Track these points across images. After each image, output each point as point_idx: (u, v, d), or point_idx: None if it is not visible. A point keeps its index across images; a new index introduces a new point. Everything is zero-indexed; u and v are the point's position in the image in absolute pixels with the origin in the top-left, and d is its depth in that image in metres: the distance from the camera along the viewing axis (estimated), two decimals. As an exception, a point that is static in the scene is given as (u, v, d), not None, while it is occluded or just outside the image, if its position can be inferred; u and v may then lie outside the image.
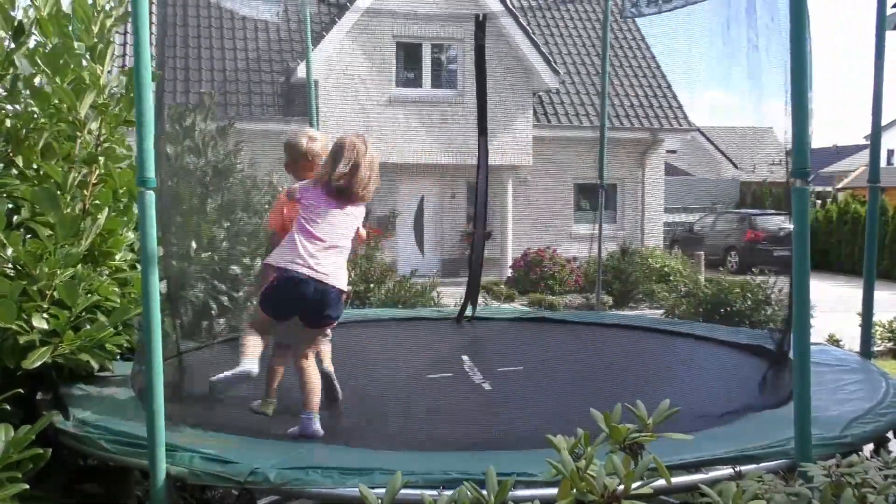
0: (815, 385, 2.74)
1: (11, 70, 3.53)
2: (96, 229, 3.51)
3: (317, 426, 3.22)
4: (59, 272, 3.28)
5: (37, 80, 3.59)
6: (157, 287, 2.62)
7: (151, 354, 2.62)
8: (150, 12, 3.17)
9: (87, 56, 3.67)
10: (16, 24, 3.56)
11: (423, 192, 18.30)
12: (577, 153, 19.00)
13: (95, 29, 3.69)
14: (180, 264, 4.49)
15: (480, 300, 6.47)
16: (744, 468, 2.56)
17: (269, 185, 8.04)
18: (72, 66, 3.57)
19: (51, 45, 3.61)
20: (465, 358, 4.83)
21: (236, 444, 2.93)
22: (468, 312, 6.17)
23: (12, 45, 3.59)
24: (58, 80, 3.54)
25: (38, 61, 3.53)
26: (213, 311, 5.05)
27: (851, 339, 7.73)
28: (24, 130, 3.54)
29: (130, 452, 2.84)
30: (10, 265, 3.32)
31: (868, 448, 3.08)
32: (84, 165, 3.64)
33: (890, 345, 9.35)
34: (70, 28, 3.67)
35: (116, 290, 3.67)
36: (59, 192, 3.42)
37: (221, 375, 3.38)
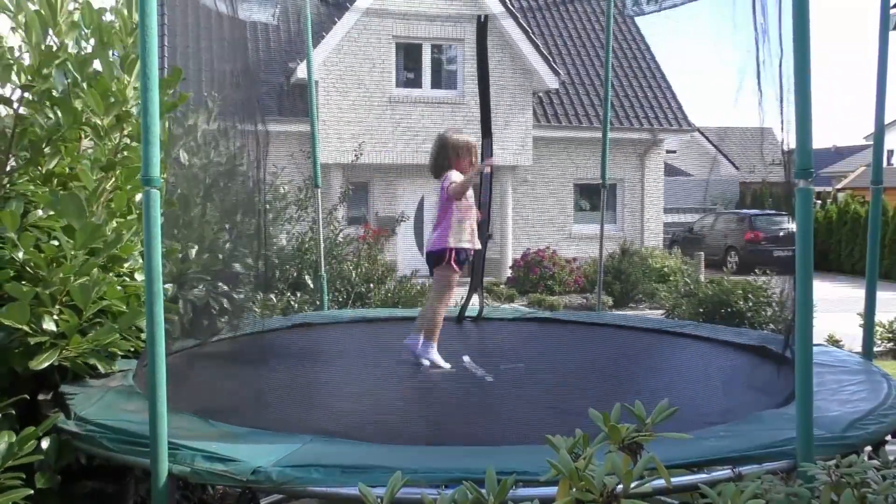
0: (816, 386, 2.74)
1: (41, 81, 3.53)
2: (115, 237, 3.52)
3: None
4: (72, 278, 3.28)
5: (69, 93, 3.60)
6: (161, 286, 2.63)
7: (154, 354, 2.63)
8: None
9: (119, 66, 3.69)
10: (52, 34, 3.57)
11: (423, 193, 18.31)
12: (577, 153, 19.02)
13: (130, 40, 3.71)
14: (184, 265, 4.50)
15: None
16: (744, 468, 2.57)
17: (271, 185, 8.06)
18: (103, 77, 3.59)
19: (78, 52, 3.62)
20: (465, 358, 4.84)
21: (238, 437, 2.93)
22: (473, 312, 6.19)
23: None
24: (86, 86, 3.56)
25: (70, 66, 3.54)
26: (213, 311, 5.05)
27: (851, 339, 7.75)
28: (46, 141, 3.55)
29: (132, 451, 2.84)
30: (20, 267, 3.32)
31: (867, 448, 3.09)
32: (102, 172, 3.66)
33: (890, 345, 9.37)
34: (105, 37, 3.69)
35: (123, 293, 3.68)
36: (85, 199, 3.43)
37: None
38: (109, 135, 3.67)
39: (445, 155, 4.99)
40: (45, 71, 3.51)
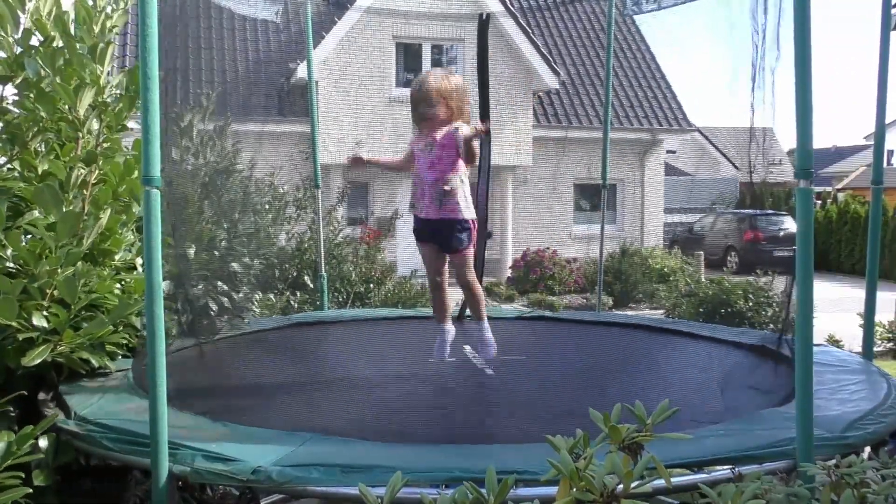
0: (816, 385, 2.74)
1: (21, 73, 3.53)
2: (98, 228, 3.51)
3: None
4: (59, 270, 3.28)
5: (45, 83, 3.59)
6: (161, 285, 2.63)
7: (154, 353, 2.62)
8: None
9: (88, 56, 3.67)
10: (24, 26, 3.57)
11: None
12: (577, 153, 19.02)
13: (96, 29, 3.69)
14: (183, 264, 4.50)
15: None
16: (744, 468, 2.57)
17: (270, 185, 8.06)
18: (73, 66, 3.58)
19: (53, 45, 3.61)
20: (467, 347, 4.84)
21: (239, 437, 2.93)
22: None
23: (19, 49, 3.59)
24: (58, 79, 3.55)
25: (39, 61, 3.53)
26: (212, 311, 5.06)
27: (852, 338, 7.75)
28: (29, 133, 3.54)
29: (132, 451, 2.84)
30: (10, 263, 3.32)
31: (867, 448, 3.09)
32: (84, 165, 3.65)
33: (890, 345, 9.38)
34: (72, 28, 3.67)
35: (117, 287, 3.68)
36: (61, 191, 3.43)
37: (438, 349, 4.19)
38: (87, 125, 3.65)
39: (448, 101, 4.06)
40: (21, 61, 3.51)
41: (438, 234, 4.06)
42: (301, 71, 15.85)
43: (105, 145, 3.76)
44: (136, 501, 3.51)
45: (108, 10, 3.83)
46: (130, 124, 3.88)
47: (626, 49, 20.34)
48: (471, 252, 4.14)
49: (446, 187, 4.01)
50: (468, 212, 4.08)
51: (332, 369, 4.63)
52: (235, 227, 5.36)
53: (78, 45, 3.68)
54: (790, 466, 2.65)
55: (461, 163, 4.05)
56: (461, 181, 4.06)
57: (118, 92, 3.90)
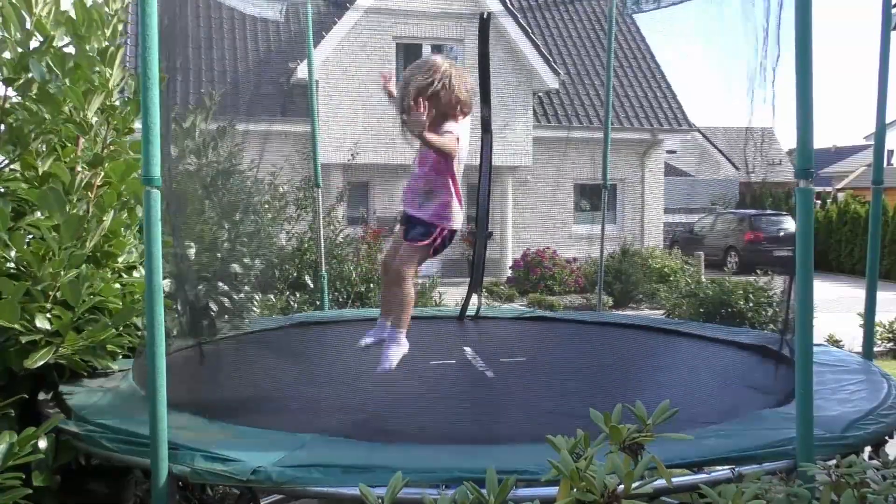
0: (816, 385, 2.74)
1: (24, 74, 3.52)
2: (101, 231, 3.51)
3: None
4: (62, 273, 3.28)
5: (52, 85, 3.58)
6: (161, 286, 2.62)
7: (154, 354, 2.62)
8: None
9: (98, 58, 3.67)
10: (28, 27, 3.56)
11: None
12: (577, 153, 19.02)
13: (108, 32, 3.69)
14: (183, 264, 4.50)
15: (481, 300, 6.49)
16: (744, 468, 2.57)
17: (270, 185, 8.06)
18: (83, 69, 3.58)
19: (60, 47, 3.61)
20: (467, 349, 4.86)
21: (239, 437, 2.93)
22: (472, 311, 6.19)
23: (19, 50, 3.58)
24: (67, 81, 3.54)
25: (49, 62, 3.52)
26: (213, 312, 5.06)
27: (852, 339, 7.76)
28: (31, 134, 3.54)
29: (132, 451, 2.84)
30: (13, 265, 3.32)
31: (868, 448, 3.09)
32: (89, 167, 3.64)
33: (890, 345, 9.39)
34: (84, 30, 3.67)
35: (118, 288, 3.68)
36: (64, 194, 3.43)
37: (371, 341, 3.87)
38: (95, 128, 3.65)
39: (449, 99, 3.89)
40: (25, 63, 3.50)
41: (407, 224, 3.83)
42: (301, 71, 15.85)
43: (112, 148, 3.76)
44: (136, 501, 3.52)
45: (117, 8, 3.82)
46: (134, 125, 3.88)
47: (626, 49, 20.34)
48: (420, 250, 3.79)
49: (426, 189, 3.82)
50: (439, 218, 3.81)
51: (333, 369, 4.63)
52: (236, 227, 5.36)
53: (87, 48, 3.68)
54: (790, 466, 2.65)
55: (445, 165, 3.83)
56: (444, 187, 3.84)
57: (126, 95, 3.90)
